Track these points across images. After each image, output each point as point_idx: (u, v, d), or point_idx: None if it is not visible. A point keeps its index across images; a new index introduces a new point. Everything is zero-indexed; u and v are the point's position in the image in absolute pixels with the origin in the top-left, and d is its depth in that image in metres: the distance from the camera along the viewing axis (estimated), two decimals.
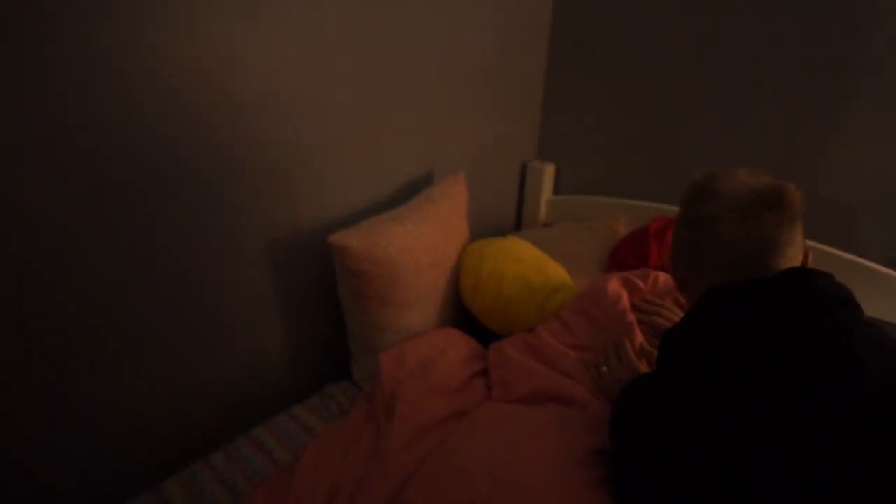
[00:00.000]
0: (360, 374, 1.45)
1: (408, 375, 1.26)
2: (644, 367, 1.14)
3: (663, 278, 1.36)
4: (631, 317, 1.26)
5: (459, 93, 1.67)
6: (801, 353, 0.79)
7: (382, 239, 1.31)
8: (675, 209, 1.77)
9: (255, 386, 1.39)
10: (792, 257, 0.91)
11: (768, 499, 0.72)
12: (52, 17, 0.85)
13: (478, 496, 0.93)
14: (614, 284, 1.33)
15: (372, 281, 1.31)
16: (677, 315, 1.27)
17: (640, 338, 1.22)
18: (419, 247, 1.38)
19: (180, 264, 1.14)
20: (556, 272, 1.51)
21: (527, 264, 1.49)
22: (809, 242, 1.12)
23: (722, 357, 0.84)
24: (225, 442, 1.26)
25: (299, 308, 1.42)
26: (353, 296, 1.34)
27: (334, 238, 1.25)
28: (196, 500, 1.09)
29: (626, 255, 1.65)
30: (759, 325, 0.83)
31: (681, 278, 1.04)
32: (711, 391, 0.81)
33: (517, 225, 2.15)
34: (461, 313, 1.55)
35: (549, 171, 2.06)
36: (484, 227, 1.93)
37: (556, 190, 2.11)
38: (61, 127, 0.91)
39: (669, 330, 0.98)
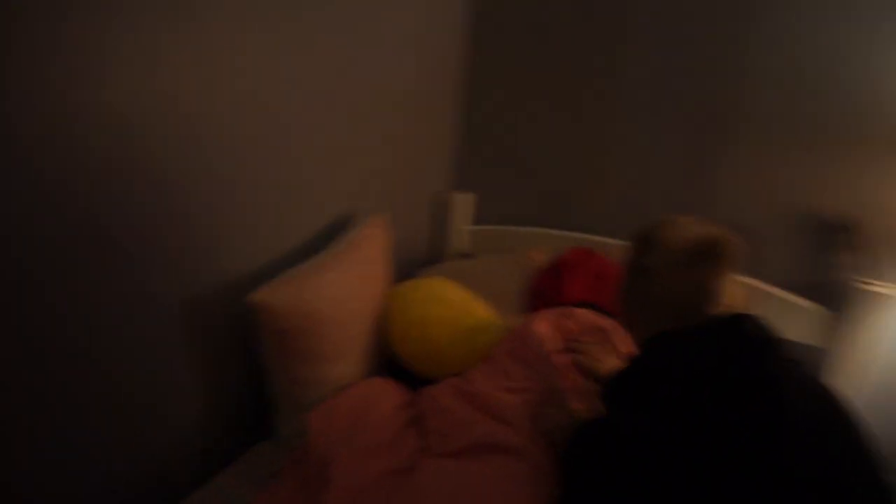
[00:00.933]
0: (287, 430, 1.38)
1: (338, 435, 1.22)
2: (578, 406, 1.17)
3: (584, 315, 1.41)
4: (558, 358, 1.29)
5: (375, 128, 1.65)
6: (737, 402, 0.85)
7: (307, 292, 1.26)
8: (592, 238, 1.86)
9: (177, 454, 1.29)
10: (727, 304, 0.97)
11: None
12: None
13: None
14: (541, 326, 1.36)
15: (297, 337, 1.26)
16: (602, 352, 1.32)
17: (571, 378, 1.25)
18: (344, 296, 1.35)
19: (83, 328, 1.04)
20: (483, 312, 1.52)
21: (453, 306, 1.49)
22: None
23: (673, 405, 0.89)
24: None
25: (218, 366, 1.34)
26: (277, 353, 1.29)
27: (256, 298, 1.20)
28: None
29: (544, 289, 1.68)
30: (700, 373, 0.89)
31: (627, 321, 1.11)
32: (665, 435, 0.86)
33: (437, 255, 2.15)
34: (388, 360, 1.52)
35: (468, 201, 2.07)
36: (405, 260, 1.92)
37: (476, 220, 2.13)
38: None
39: (617, 373, 1.03)
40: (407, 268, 1.89)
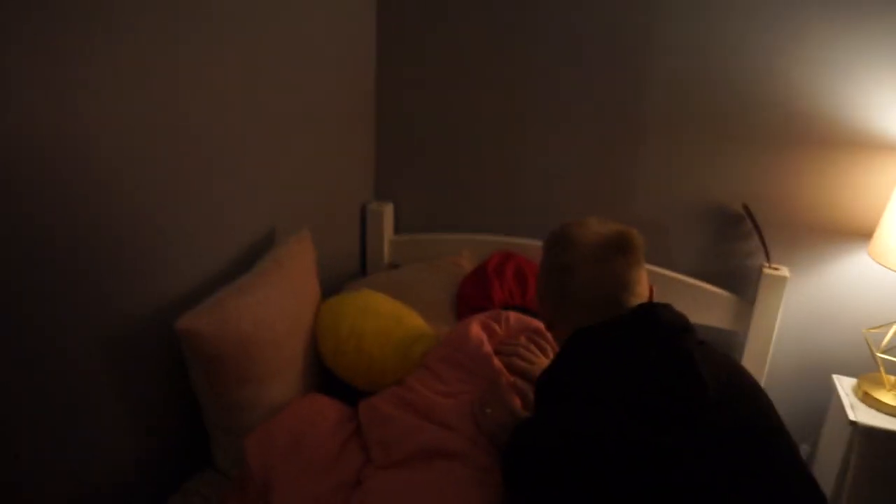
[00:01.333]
0: (224, 459, 1.34)
1: (278, 458, 1.19)
2: (518, 405, 1.20)
3: (514, 318, 1.45)
4: (496, 360, 1.33)
5: (293, 142, 1.62)
6: (660, 379, 0.93)
7: (234, 315, 1.23)
8: (511, 240, 1.91)
9: (120, 485, 1.21)
10: (640, 293, 1.05)
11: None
12: None
13: None
14: (475, 329, 1.39)
15: (227, 361, 1.22)
16: (533, 353, 1.36)
17: (507, 378, 1.28)
18: (273, 316, 1.32)
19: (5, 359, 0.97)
20: (414, 321, 1.53)
21: (384, 317, 1.49)
22: None
23: (598, 395, 0.94)
24: None
25: (145, 400, 1.27)
26: (208, 379, 1.24)
27: (182, 324, 1.15)
28: None
29: (471, 295, 1.72)
30: (622, 361, 0.96)
31: (548, 319, 1.15)
32: (597, 422, 0.91)
33: (363, 267, 2.14)
34: (324, 375, 1.50)
35: (388, 211, 2.08)
36: (331, 274, 1.89)
37: (397, 229, 2.14)
38: None
39: (545, 371, 1.07)
40: (334, 282, 1.87)
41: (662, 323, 0.99)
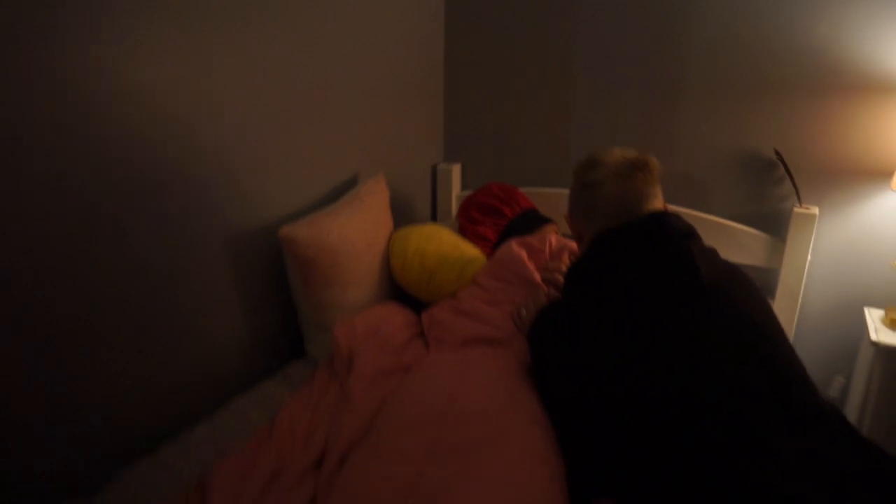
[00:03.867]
0: (315, 351, 1.66)
1: (359, 341, 1.50)
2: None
3: (555, 240, 1.68)
4: (537, 275, 1.57)
5: (376, 107, 1.95)
6: (664, 270, 1.14)
7: (324, 229, 1.55)
8: (562, 191, 2.14)
9: (225, 369, 1.58)
10: (655, 206, 1.26)
11: (656, 367, 1.05)
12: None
13: (438, 406, 1.18)
14: (518, 249, 1.64)
15: (317, 265, 1.54)
16: None
17: (545, 290, 1.52)
18: (354, 235, 1.63)
19: (153, 266, 1.33)
20: (470, 249, 1.80)
21: (445, 243, 1.78)
22: (672, 207, 1.50)
23: (613, 278, 1.17)
24: (207, 414, 1.44)
25: (256, 298, 1.62)
26: (303, 281, 1.57)
27: (284, 231, 1.49)
28: (189, 454, 1.28)
29: (496, 204, 1.98)
30: (635, 254, 1.18)
31: (578, 232, 1.36)
32: (612, 300, 1.14)
33: (433, 220, 2.44)
34: (394, 289, 1.81)
35: (456, 170, 2.36)
36: (404, 224, 2.20)
37: (464, 186, 2.41)
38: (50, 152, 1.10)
39: (572, 266, 1.29)
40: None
41: (670, 226, 1.20)
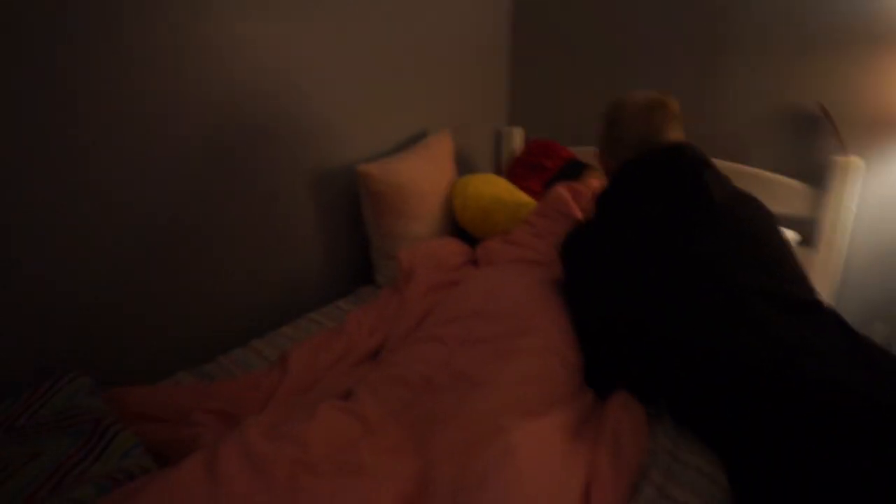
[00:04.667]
0: (382, 279, 1.94)
1: (419, 260, 1.76)
2: None
3: (596, 183, 1.87)
4: (579, 213, 1.77)
5: (447, 71, 2.21)
6: (681, 192, 1.31)
7: (394, 168, 1.82)
8: None
9: (306, 286, 1.88)
10: (674, 139, 1.42)
11: (670, 277, 1.23)
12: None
13: (475, 306, 1.42)
14: (563, 190, 1.83)
15: (387, 199, 1.81)
16: None
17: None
18: (421, 176, 1.89)
19: (261, 189, 1.66)
20: (523, 196, 2.02)
21: (501, 189, 2.00)
22: (715, 160, 1.65)
23: (634, 200, 1.36)
24: (289, 322, 1.75)
25: (335, 227, 1.92)
26: (374, 212, 1.85)
27: (361, 168, 1.77)
28: (274, 346, 1.59)
29: (539, 160, 2.17)
30: (654, 179, 1.36)
31: (606, 167, 1.55)
32: (633, 219, 1.33)
33: None
34: (454, 228, 2.06)
35: (519, 133, 2.57)
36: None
37: None
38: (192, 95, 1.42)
39: (600, 193, 1.47)
40: None
41: (686, 155, 1.37)
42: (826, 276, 1.94)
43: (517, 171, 2.21)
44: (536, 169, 2.16)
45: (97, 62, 1.27)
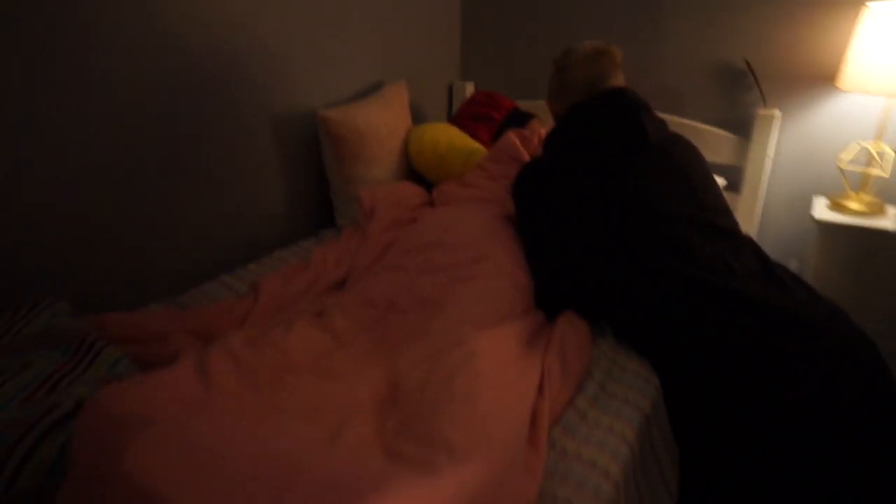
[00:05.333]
0: (343, 221, 2.02)
1: (379, 201, 1.85)
2: None
3: (543, 130, 1.99)
4: (528, 157, 1.89)
5: (402, 26, 2.27)
6: (618, 131, 1.45)
7: (353, 113, 1.90)
8: None
9: (273, 226, 1.95)
10: (616, 85, 1.55)
11: (610, 200, 1.37)
12: None
13: (434, 237, 1.53)
14: (513, 137, 1.95)
15: (347, 143, 1.89)
16: None
17: None
18: (378, 122, 1.97)
19: (226, 134, 1.70)
20: (476, 143, 2.13)
21: (455, 136, 2.11)
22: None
23: (577, 137, 1.49)
24: (254, 259, 1.82)
25: (294, 170, 1.98)
26: (334, 156, 1.92)
27: (321, 113, 1.84)
28: (243, 280, 1.66)
29: (484, 110, 2.29)
30: (597, 120, 1.49)
31: (555, 112, 1.66)
32: (576, 154, 1.46)
33: None
34: (410, 173, 2.16)
35: (470, 87, 2.67)
36: None
37: None
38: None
39: (549, 132, 1.59)
40: None
41: (626, 98, 1.51)
42: (749, 219, 2.15)
43: (463, 121, 2.31)
44: (484, 119, 2.27)
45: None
